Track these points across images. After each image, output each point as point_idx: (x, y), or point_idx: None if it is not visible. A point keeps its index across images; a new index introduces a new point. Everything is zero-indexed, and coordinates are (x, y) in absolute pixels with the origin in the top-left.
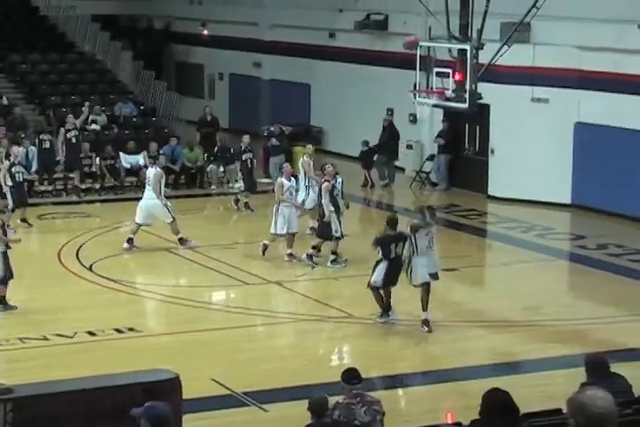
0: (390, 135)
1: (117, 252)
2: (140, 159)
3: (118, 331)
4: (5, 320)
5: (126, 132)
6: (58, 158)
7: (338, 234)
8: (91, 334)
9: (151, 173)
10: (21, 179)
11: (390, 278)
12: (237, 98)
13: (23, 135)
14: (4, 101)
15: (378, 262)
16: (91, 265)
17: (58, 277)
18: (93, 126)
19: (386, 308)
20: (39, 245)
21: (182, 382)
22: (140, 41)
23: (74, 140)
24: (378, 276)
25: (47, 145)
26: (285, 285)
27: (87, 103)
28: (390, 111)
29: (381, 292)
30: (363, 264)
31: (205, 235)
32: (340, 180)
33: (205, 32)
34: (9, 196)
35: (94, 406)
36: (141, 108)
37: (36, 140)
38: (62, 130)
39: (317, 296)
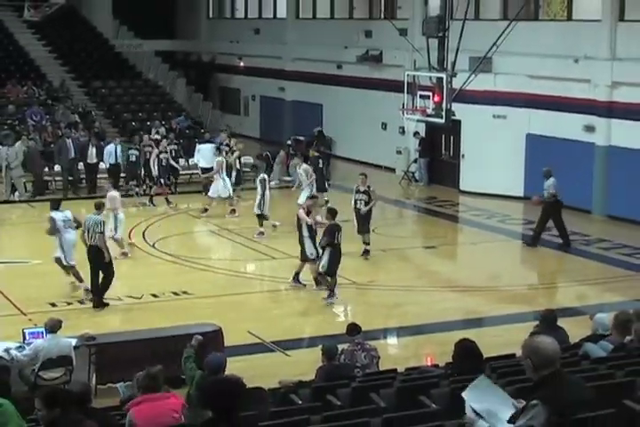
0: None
1: (172, 233)
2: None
3: (175, 293)
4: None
5: (181, 140)
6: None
7: (313, 257)
8: (154, 295)
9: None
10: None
11: (335, 264)
12: (266, 115)
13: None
14: (94, 118)
15: (324, 249)
16: (154, 243)
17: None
18: (155, 136)
19: (331, 290)
20: None
21: (224, 333)
22: (192, 71)
23: (164, 161)
24: (325, 262)
25: (133, 158)
26: None
27: (154, 128)
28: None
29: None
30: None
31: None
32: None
33: (242, 64)
34: None
35: (158, 351)
36: (193, 121)
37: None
38: (156, 151)
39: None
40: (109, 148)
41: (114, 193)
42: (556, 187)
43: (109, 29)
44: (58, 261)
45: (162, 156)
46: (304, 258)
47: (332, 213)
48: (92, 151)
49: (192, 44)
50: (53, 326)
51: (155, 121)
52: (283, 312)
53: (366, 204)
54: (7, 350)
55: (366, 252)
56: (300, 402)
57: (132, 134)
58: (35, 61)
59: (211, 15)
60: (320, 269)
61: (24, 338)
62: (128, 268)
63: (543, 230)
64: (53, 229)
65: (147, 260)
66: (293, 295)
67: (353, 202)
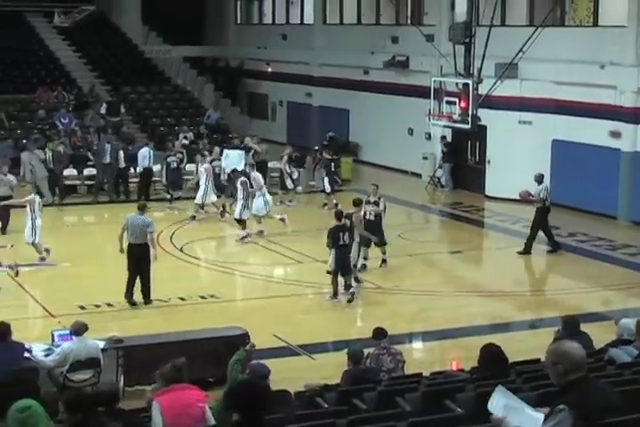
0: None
1: (199, 238)
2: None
3: (202, 297)
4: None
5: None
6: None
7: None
8: (181, 299)
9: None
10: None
11: (341, 264)
12: (293, 120)
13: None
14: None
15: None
16: (181, 247)
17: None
18: (184, 141)
19: (335, 292)
20: None
21: (250, 337)
22: (220, 76)
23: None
24: (332, 262)
25: (174, 166)
26: None
27: (182, 135)
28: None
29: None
30: (391, 247)
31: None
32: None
33: (269, 69)
34: None
35: (185, 354)
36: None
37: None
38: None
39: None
40: (144, 151)
41: (35, 197)
42: (547, 192)
43: (139, 35)
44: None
45: (213, 164)
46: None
47: (338, 215)
48: (121, 155)
49: (220, 50)
50: (79, 329)
51: (183, 126)
52: (308, 316)
53: (376, 215)
54: (31, 352)
55: (384, 261)
56: (326, 406)
57: (161, 139)
58: (65, 67)
59: (239, 21)
60: (328, 268)
61: (53, 340)
62: (156, 271)
63: (535, 237)
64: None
65: (174, 263)
66: (319, 299)
67: (362, 213)
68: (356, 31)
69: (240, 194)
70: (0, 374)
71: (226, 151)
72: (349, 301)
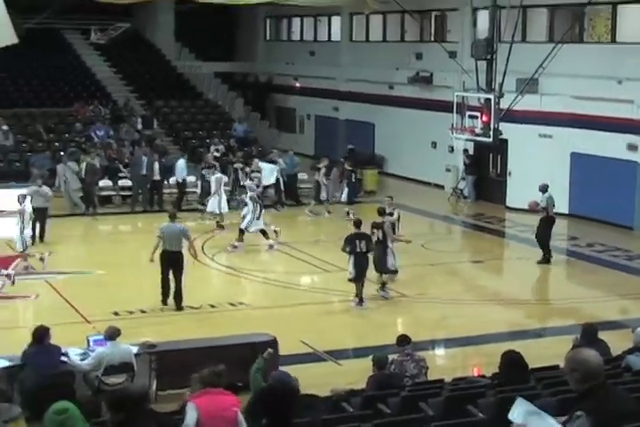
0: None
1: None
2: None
3: (232, 304)
4: (154, 293)
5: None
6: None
7: (393, 268)
8: (212, 306)
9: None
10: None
11: (360, 270)
12: (321, 133)
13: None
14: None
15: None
16: (212, 255)
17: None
18: (215, 153)
19: (361, 299)
20: None
21: (278, 343)
22: (250, 91)
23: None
24: (351, 269)
25: (208, 178)
26: None
27: (213, 147)
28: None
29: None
30: (414, 257)
31: (294, 233)
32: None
33: (297, 84)
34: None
35: (215, 359)
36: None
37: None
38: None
39: (379, 281)
40: (181, 163)
41: (25, 208)
42: (551, 202)
43: (172, 51)
44: None
45: (253, 175)
46: (384, 270)
47: (357, 223)
48: (156, 167)
49: (250, 66)
50: (112, 334)
51: (214, 139)
52: (334, 323)
53: (378, 240)
54: (67, 356)
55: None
56: (352, 410)
57: (193, 152)
58: (101, 82)
59: (268, 38)
60: (348, 276)
61: (88, 345)
62: (188, 279)
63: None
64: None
65: (205, 271)
66: (345, 306)
67: (393, 217)
68: (381, 48)
69: (250, 206)
70: (38, 376)
71: (260, 164)
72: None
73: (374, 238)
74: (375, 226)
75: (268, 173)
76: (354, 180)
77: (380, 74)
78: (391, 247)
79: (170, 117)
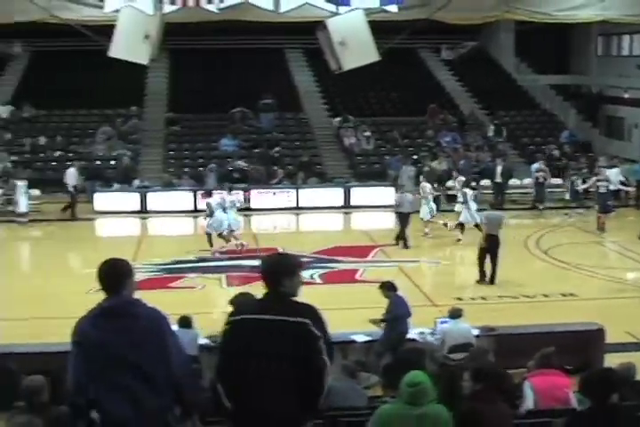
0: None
1: (562, 243)
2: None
3: (563, 295)
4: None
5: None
6: None
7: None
8: (545, 295)
9: None
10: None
11: None
12: None
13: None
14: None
15: None
16: (546, 250)
17: (522, 256)
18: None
19: None
20: (514, 234)
21: (605, 332)
22: (582, 102)
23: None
24: None
25: (541, 180)
26: None
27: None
28: None
29: None
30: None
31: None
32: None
33: (627, 96)
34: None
35: (547, 344)
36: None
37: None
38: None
39: None
40: (536, 166)
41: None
42: None
43: (511, 66)
44: None
45: (599, 184)
46: None
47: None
48: (498, 170)
49: (583, 79)
50: (454, 313)
51: (550, 145)
52: None
53: None
54: (422, 333)
55: None
56: None
57: (530, 156)
58: (449, 94)
59: (599, 53)
60: None
61: (435, 326)
62: (522, 272)
63: None
64: None
65: (540, 265)
66: None
67: None
68: None
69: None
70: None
71: (605, 170)
72: None
73: None
74: None
75: (614, 177)
76: None
77: None
78: None
79: (509, 125)
